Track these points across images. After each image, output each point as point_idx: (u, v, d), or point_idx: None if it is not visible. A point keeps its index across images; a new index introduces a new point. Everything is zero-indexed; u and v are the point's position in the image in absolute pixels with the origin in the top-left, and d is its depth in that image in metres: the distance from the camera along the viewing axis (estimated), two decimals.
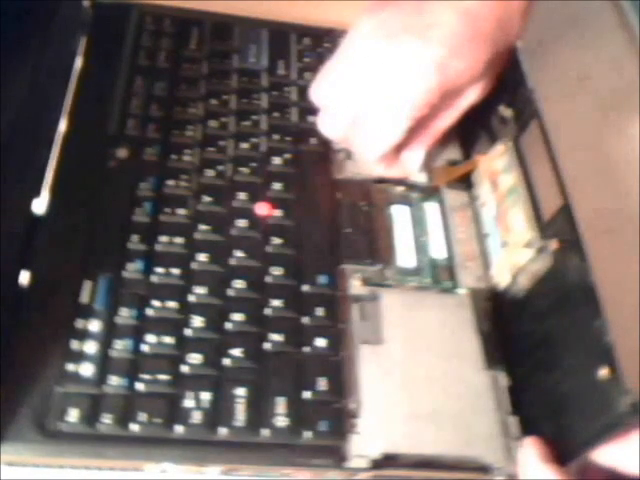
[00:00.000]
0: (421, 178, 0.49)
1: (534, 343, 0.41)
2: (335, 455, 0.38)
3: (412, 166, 0.47)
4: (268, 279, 0.43)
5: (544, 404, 0.39)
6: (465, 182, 0.50)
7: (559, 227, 0.40)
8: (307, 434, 0.38)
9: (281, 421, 0.38)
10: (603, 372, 0.34)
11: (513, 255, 0.43)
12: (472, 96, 0.44)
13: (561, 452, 0.36)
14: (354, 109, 0.43)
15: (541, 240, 0.41)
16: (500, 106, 0.46)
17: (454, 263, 0.46)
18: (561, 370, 0.38)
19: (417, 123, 0.43)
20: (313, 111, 0.48)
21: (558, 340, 0.39)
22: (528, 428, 0.39)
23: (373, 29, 0.42)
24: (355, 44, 0.43)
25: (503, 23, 0.41)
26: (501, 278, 0.45)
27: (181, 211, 0.45)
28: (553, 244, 0.40)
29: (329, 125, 0.45)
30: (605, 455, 0.35)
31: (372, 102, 0.42)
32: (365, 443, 0.38)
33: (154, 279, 0.42)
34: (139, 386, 0.38)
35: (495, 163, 0.47)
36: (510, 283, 0.44)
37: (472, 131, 0.50)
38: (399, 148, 0.46)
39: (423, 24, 0.40)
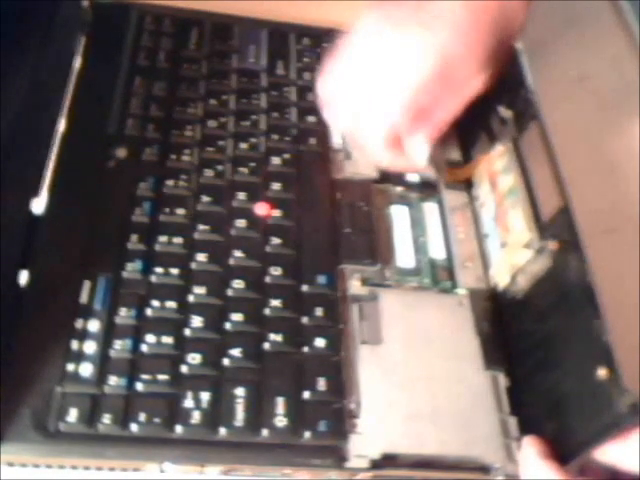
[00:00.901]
0: (426, 176, 0.49)
1: (534, 343, 0.41)
2: (335, 455, 0.38)
3: (418, 156, 0.46)
4: (267, 279, 0.43)
5: (544, 404, 0.39)
6: (464, 182, 0.50)
7: (558, 228, 0.40)
8: (307, 434, 0.38)
9: (281, 421, 0.38)
10: (602, 372, 0.34)
11: (512, 255, 0.43)
12: (474, 85, 0.44)
13: (561, 452, 0.36)
14: (360, 99, 0.44)
15: (540, 241, 0.41)
16: (500, 107, 0.47)
17: (453, 263, 0.46)
18: (561, 370, 0.38)
19: (421, 112, 0.43)
20: (312, 111, 0.49)
21: (558, 340, 0.39)
22: (528, 428, 0.39)
23: (377, 21, 0.43)
24: (360, 36, 0.43)
25: (505, 14, 0.42)
26: (500, 278, 0.45)
27: (180, 211, 0.45)
28: (552, 245, 0.40)
29: (336, 118, 0.46)
30: (604, 454, 0.35)
31: (376, 87, 0.43)
32: (365, 443, 0.38)
33: (153, 279, 0.42)
34: (139, 386, 0.38)
35: (495, 164, 0.47)
36: (509, 283, 0.44)
37: (472, 132, 0.50)
38: (404, 139, 0.46)
39: (426, 16, 0.41)
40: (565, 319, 0.38)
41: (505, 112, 0.46)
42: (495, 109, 0.47)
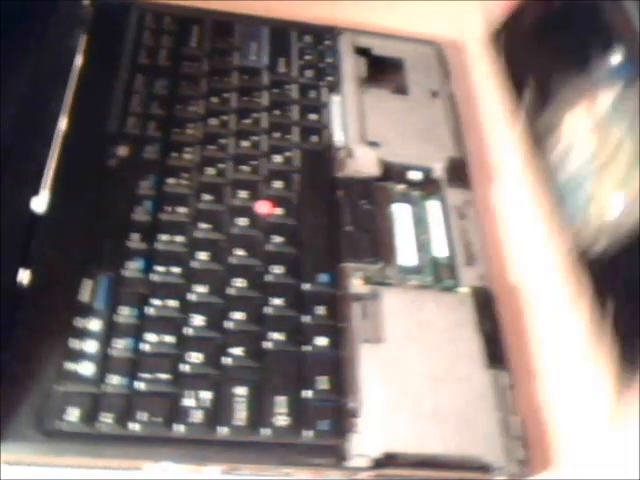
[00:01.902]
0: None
1: None
2: (335, 454, 0.38)
3: None
4: (269, 278, 0.43)
5: None
6: (465, 180, 0.49)
7: None
8: (307, 433, 0.38)
9: (281, 420, 0.38)
10: None
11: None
12: None
13: None
14: None
15: None
16: (606, 51, 0.45)
17: (455, 262, 0.46)
18: None
19: None
20: (314, 109, 0.48)
21: None
22: None
23: None
24: None
25: None
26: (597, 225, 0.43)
27: (181, 209, 0.44)
28: None
29: None
30: None
31: None
32: (365, 442, 0.38)
33: (154, 278, 0.42)
34: (139, 385, 0.38)
35: (597, 113, 0.45)
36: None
37: (573, 80, 0.48)
38: None
39: None
40: None
41: (614, 57, 0.44)
42: (602, 54, 0.45)
